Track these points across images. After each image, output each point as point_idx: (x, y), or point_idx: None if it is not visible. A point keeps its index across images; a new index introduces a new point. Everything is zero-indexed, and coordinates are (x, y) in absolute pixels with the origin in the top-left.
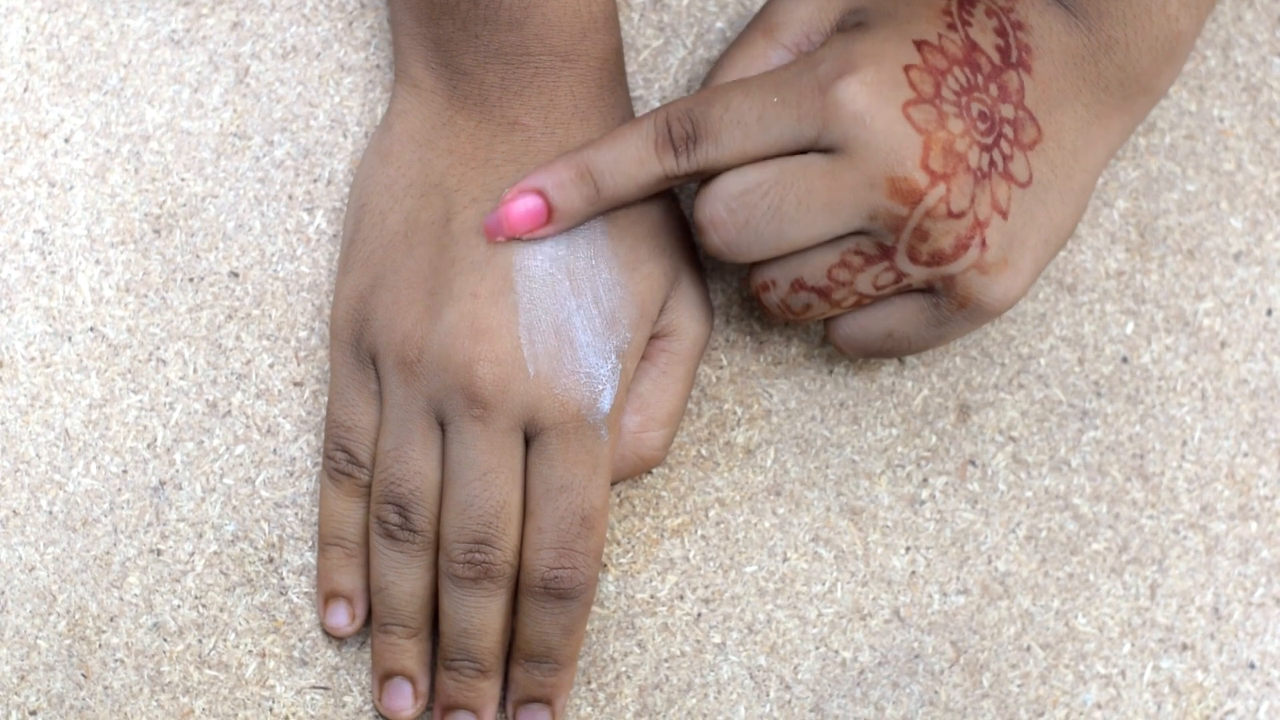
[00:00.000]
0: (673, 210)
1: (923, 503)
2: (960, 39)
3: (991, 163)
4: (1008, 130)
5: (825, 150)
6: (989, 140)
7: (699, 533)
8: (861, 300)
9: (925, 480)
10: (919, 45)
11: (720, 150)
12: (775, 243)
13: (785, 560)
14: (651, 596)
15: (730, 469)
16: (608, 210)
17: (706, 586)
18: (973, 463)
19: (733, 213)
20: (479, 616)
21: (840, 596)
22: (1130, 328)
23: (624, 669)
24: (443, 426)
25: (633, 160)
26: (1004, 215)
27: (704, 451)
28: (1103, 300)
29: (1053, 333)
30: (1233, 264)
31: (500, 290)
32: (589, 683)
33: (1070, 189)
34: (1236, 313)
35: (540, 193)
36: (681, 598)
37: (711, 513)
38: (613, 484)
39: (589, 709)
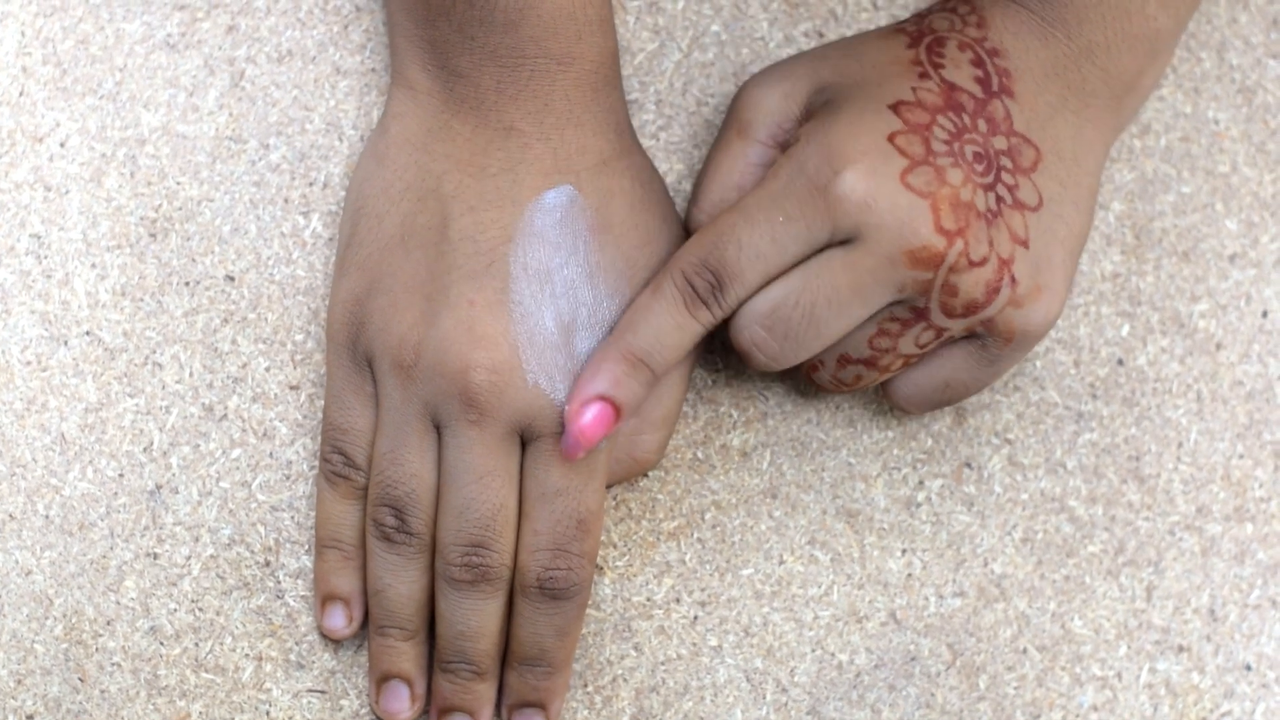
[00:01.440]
0: (670, 217)
1: (919, 505)
2: (936, 84)
3: (999, 199)
4: (1005, 161)
5: (841, 243)
6: (989, 180)
7: (695, 535)
8: (909, 360)
9: (921, 483)
10: (895, 108)
11: (747, 287)
12: (817, 344)
13: (781, 563)
14: (648, 599)
15: (726, 472)
16: (605, 235)
17: (703, 589)
18: (969, 465)
19: (770, 330)
20: (475, 619)
21: (836, 599)
22: (1126, 330)
23: (620, 672)
24: (438, 429)
25: (671, 329)
26: (1025, 245)
27: (700, 454)
28: (1098, 302)
29: (1048, 335)
30: (1228, 266)
31: (497, 299)
32: (585, 686)
33: (1080, 196)
34: (1232, 315)
35: (603, 397)
36: (678, 600)
37: (708, 515)
38: (608, 487)
39: (586, 712)
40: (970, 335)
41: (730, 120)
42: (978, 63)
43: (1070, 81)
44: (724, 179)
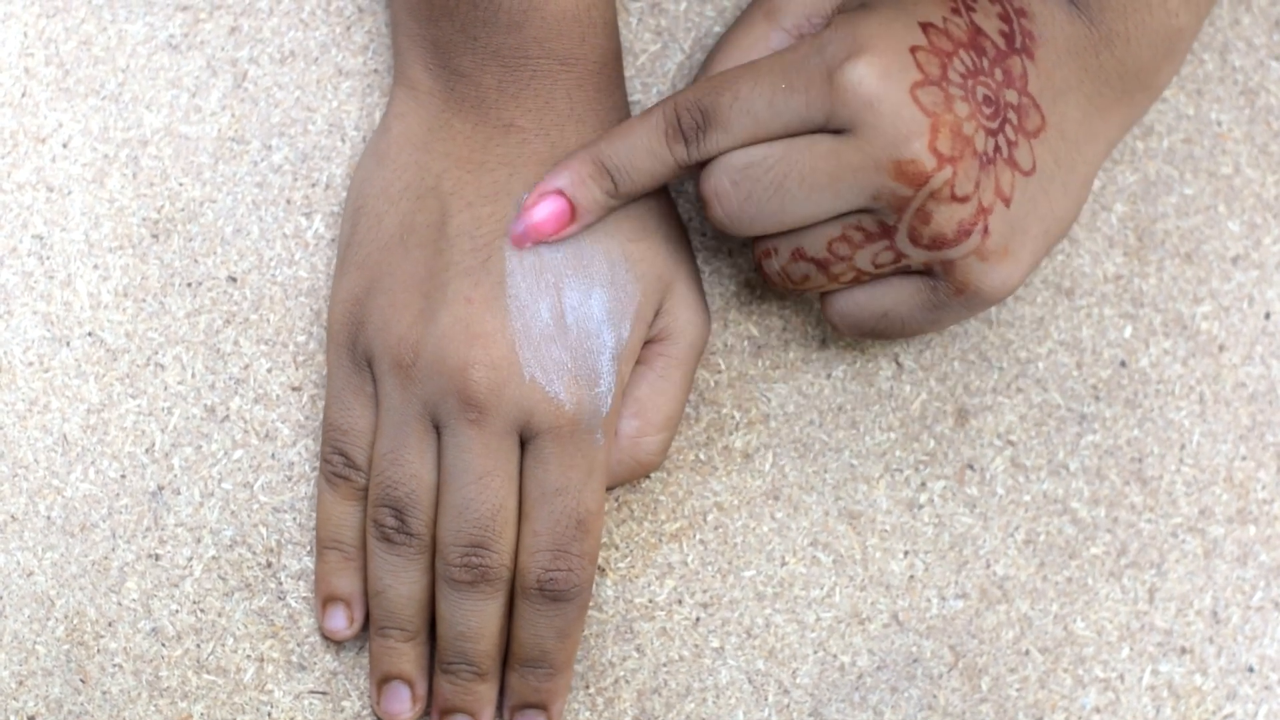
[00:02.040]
0: (668, 213)
1: (921, 507)
2: (964, 23)
3: (996, 148)
4: (1012, 116)
5: (834, 131)
6: (994, 125)
7: (697, 537)
8: (860, 276)
9: (924, 484)
10: (924, 27)
11: (730, 138)
12: (777, 218)
13: (784, 564)
14: (650, 601)
15: (728, 473)
16: (602, 225)
17: (705, 591)
18: (971, 467)
19: (736, 185)
20: (476, 620)
21: (839, 601)
22: (1128, 331)
23: (622, 673)
24: (438, 430)
25: (644, 152)
26: (1007, 203)
27: (702, 456)
28: (1101, 304)
29: (1051, 336)
30: (1230, 268)
31: (494, 294)
32: (587, 687)
33: (1072, 180)
34: (1234, 316)
35: (561, 193)
36: (680, 602)
37: (710, 517)
38: (610, 489)
39: (587, 714)
40: (925, 272)
41: (759, 3)
42: (1005, 18)
43: (1087, 65)
44: (740, 57)
